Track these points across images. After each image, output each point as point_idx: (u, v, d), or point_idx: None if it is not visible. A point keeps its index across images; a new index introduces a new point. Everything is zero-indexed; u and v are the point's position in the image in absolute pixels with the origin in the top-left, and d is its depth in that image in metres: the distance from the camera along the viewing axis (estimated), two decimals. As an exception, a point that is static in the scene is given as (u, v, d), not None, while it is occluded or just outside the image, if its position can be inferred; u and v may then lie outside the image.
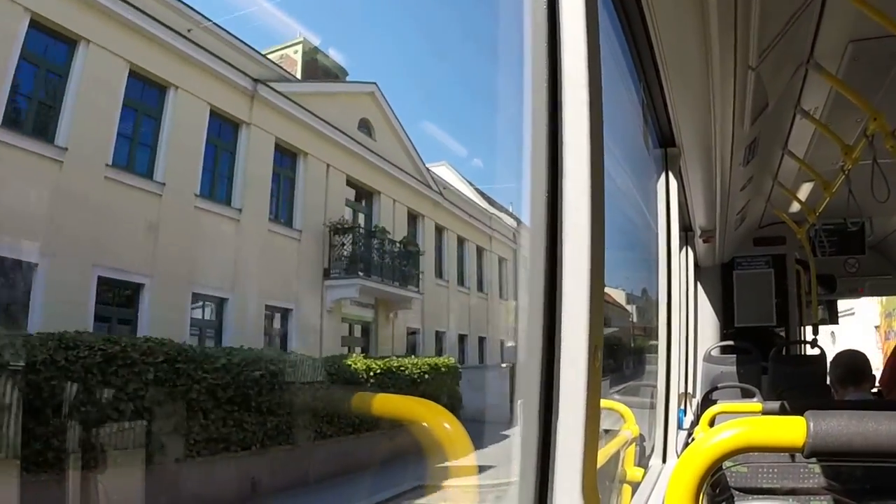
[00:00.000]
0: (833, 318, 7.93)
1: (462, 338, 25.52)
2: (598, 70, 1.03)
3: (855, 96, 2.84)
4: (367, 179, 19.34)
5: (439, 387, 14.40)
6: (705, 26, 1.92)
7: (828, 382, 4.03)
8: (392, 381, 12.34)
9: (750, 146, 3.32)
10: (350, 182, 18.42)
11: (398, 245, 19.73)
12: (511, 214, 30.30)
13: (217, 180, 13.68)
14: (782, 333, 6.07)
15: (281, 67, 16.48)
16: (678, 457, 3.03)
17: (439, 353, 22.66)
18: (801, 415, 0.88)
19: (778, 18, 2.26)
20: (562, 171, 0.97)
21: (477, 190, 28.83)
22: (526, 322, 0.98)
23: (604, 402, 3.63)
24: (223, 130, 13.72)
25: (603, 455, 2.78)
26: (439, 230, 24.32)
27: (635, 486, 2.87)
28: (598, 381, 1.00)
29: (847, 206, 3.79)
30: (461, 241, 26.18)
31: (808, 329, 6.33)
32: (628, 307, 26.22)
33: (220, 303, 12.98)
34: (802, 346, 6.06)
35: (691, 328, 5.15)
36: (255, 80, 14.27)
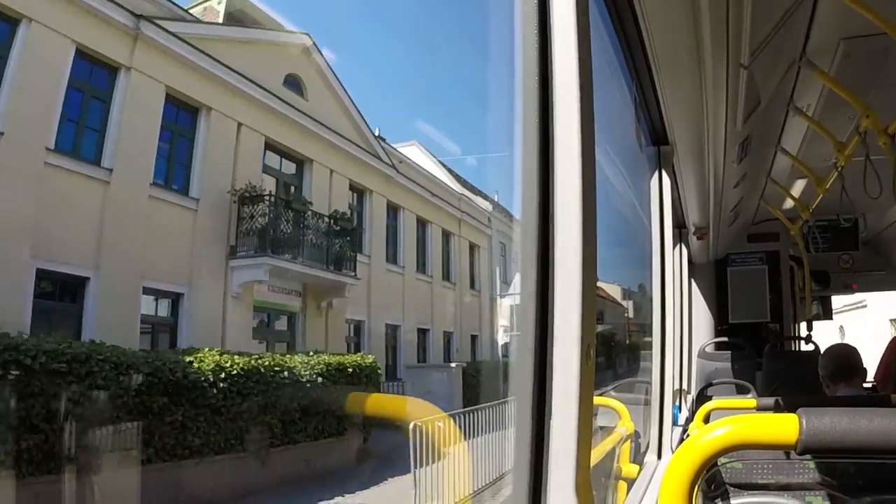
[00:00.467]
0: (827, 313, 7.97)
1: (423, 332, 22.41)
2: (589, 68, 1.03)
3: (847, 94, 2.85)
4: (296, 144, 16.55)
5: (341, 396, 11.26)
6: (697, 24, 1.93)
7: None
8: (257, 387, 9.25)
9: (743, 144, 3.33)
10: (271, 146, 15.77)
11: (326, 220, 16.43)
12: (486, 197, 27.35)
13: (82, 133, 11.07)
14: (777, 329, 6.09)
15: (173, 3, 13.19)
16: (673, 453, 3.04)
17: (394, 348, 20.38)
18: (795, 411, 0.89)
19: (770, 16, 2.26)
20: (553, 170, 0.98)
21: (449, 171, 26.28)
22: (518, 320, 0.99)
23: (599, 399, 3.64)
24: (94, 74, 11.19)
25: (598, 452, 2.79)
26: (394, 209, 21.41)
27: (630, 483, 2.88)
28: (591, 379, 1.01)
29: (840, 203, 3.80)
30: (422, 223, 23.12)
31: (803, 325, 6.36)
32: (623, 303, 25.79)
33: (82, 282, 10.51)
34: (797, 341, 6.09)
35: (685, 325, 5.16)
36: (138, 17, 11.70)
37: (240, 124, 14.43)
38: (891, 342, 4.87)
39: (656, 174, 2.97)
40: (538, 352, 0.97)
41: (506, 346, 23.45)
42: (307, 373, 10.58)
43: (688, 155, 3.05)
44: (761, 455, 2.26)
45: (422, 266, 22.90)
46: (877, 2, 2.22)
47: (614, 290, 27.02)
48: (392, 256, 21.21)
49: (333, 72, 18.22)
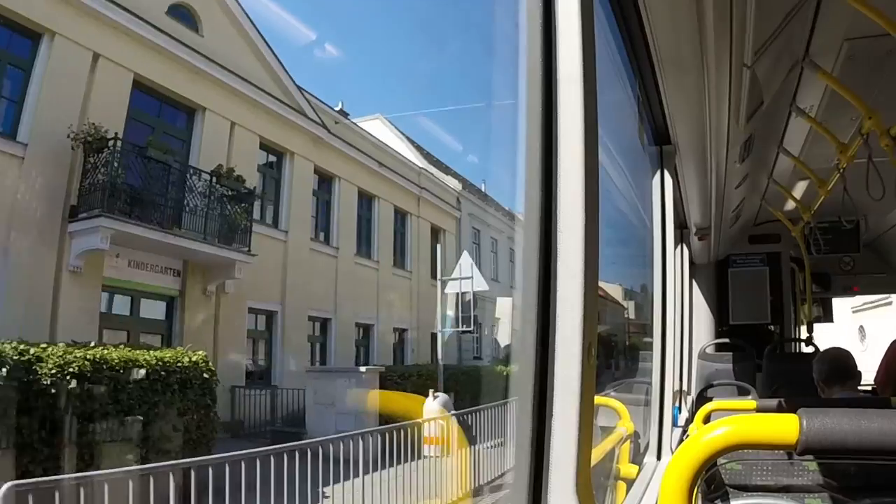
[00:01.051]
0: (827, 315, 7.97)
1: (366, 328, 19.09)
2: (593, 66, 1.03)
3: (850, 95, 2.85)
4: (182, 88, 13.20)
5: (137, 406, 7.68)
6: (701, 24, 1.92)
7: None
8: None
9: (745, 144, 3.33)
10: (145, 87, 12.56)
11: (207, 179, 12.95)
12: (458, 176, 24.02)
13: None
14: (777, 331, 6.10)
15: None
16: (673, 454, 3.04)
17: (322, 347, 17.48)
18: (796, 412, 0.88)
19: (773, 16, 2.26)
20: (556, 168, 0.98)
21: (415, 146, 23.08)
22: (520, 319, 0.99)
23: (599, 399, 3.64)
24: None
25: (598, 452, 2.78)
26: (326, 178, 18.00)
27: (630, 483, 2.88)
28: (593, 378, 1.01)
29: (842, 205, 3.80)
30: (367, 198, 19.61)
31: (803, 327, 6.36)
32: (623, 302, 25.24)
33: None
34: (797, 343, 6.09)
35: (686, 325, 5.16)
36: None
37: (96, 56, 11.45)
38: (891, 345, 4.87)
39: (658, 174, 2.96)
40: (539, 351, 0.97)
41: (477, 345, 21.12)
42: (54, 371, 7.16)
43: (690, 155, 3.04)
44: (761, 456, 2.26)
45: (365, 248, 19.51)
46: (881, 2, 2.22)
47: (614, 290, 26.26)
48: (322, 234, 17.95)
49: (242, 7, 15.04)
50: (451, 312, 15.50)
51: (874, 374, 4.83)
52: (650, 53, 2.12)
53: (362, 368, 13.16)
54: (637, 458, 3.25)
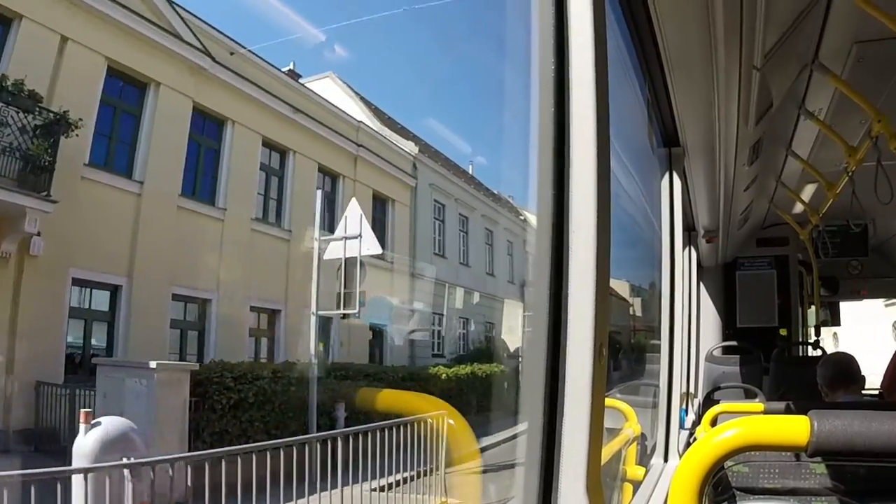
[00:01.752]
0: (835, 319, 7.93)
1: (271, 314, 15.41)
2: (605, 69, 1.04)
3: (859, 98, 2.84)
4: None
5: None
6: (711, 27, 1.93)
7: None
8: None
9: (754, 146, 3.32)
10: None
11: None
12: (417, 140, 19.86)
13: None
14: (785, 334, 6.07)
15: None
16: (680, 456, 3.04)
17: (200, 336, 13.63)
18: (804, 415, 0.89)
19: (783, 19, 2.26)
20: (568, 170, 0.98)
21: (370, 107, 19.31)
22: (532, 318, 0.99)
23: (606, 401, 3.63)
24: None
25: (605, 453, 2.79)
26: (215, 120, 14.19)
27: (636, 485, 2.88)
28: (603, 378, 1.01)
29: (850, 208, 3.79)
30: (278, 151, 15.87)
31: (811, 330, 6.34)
32: (630, 301, 24.67)
33: None
34: (804, 347, 6.06)
35: (693, 328, 5.15)
36: None
37: None
38: None
39: (667, 176, 2.97)
40: (551, 350, 0.97)
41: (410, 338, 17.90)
42: None
43: (699, 157, 3.04)
44: (769, 458, 2.26)
45: (273, 213, 15.81)
46: (891, 5, 2.22)
47: (622, 291, 25.50)
48: (205, 190, 14.10)
49: None
50: (329, 287, 11.32)
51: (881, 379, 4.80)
52: (660, 55, 2.12)
53: (153, 364, 8.63)
54: (644, 459, 3.25)
